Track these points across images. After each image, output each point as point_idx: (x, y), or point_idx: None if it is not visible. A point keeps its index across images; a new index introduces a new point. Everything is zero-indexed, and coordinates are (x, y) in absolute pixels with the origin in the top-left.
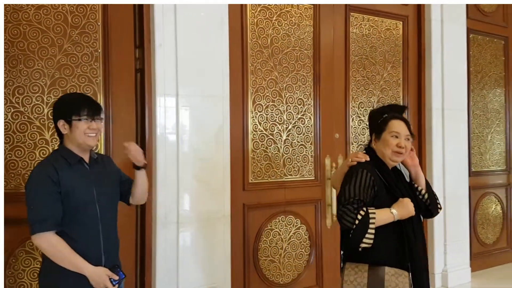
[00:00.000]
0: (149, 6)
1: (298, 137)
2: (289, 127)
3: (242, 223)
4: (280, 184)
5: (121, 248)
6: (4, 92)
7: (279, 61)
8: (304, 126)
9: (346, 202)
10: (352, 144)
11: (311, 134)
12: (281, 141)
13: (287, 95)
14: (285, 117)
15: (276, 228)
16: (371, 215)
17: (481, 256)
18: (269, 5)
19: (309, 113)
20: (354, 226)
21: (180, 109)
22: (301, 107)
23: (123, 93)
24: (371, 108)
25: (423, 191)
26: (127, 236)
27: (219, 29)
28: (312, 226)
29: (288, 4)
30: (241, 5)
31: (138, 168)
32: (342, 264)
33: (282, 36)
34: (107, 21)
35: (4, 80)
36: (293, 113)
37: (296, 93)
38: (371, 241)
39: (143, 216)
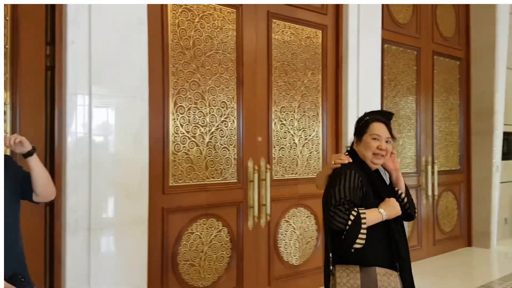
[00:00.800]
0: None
1: (221, 139)
2: (212, 130)
3: (161, 227)
4: (202, 186)
5: (29, 255)
6: None
7: (201, 63)
8: (227, 129)
9: (336, 204)
10: (274, 147)
11: (234, 137)
12: (204, 144)
13: (210, 98)
14: (208, 119)
15: (197, 231)
16: (362, 215)
17: None
18: (191, 6)
19: (232, 116)
20: (347, 227)
21: (94, 109)
22: (224, 110)
23: (32, 91)
24: (292, 113)
25: (403, 195)
26: (36, 242)
27: (137, 29)
28: (234, 228)
29: (210, 7)
30: (161, 5)
31: (26, 155)
32: (331, 267)
33: (205, 39)
34: (16, 16)
35: None
36: (216, 116)
37: (219, 96)
38: (363, 242)
39: (52, 221)
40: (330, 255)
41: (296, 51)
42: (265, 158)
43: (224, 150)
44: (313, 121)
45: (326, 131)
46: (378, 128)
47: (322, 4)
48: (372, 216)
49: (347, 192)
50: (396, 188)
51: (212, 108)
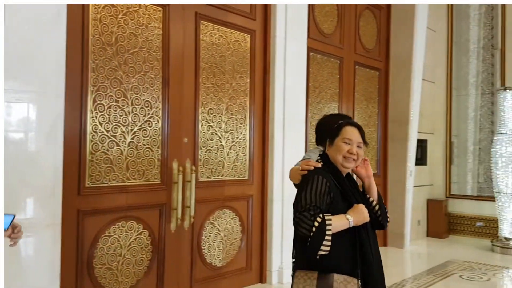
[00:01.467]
0: None
1: (144, 140)
2: (135, 130)
3: (75, 230)
4: (122, 188)
5: None
6: None
7: (124, 60)
8: (151, 129)
9: (302, 209)
10: (201, 148)
11: (158, 138)
12: (125, 144)
13: (133, 96)
14: (130, 119)
15: (115, 234)
16: (327, 222)
17: None
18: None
19: (157, 116)
20: (312, 234)
21: (7, 105)
22: (148, 109)
23: None
24: (220, 115)
25: (374, 203)
26: None
27: (55, 21)
28: (156, 231)
29: (135, 4)
30: None
31: None
32: (292, 271)
33: (128, 35)
34: None
35: None
36: (140, 115)
37: (143, 95)
38: (328, 248)
39: None
40: (293, 260)
41: (224, 53)
42: (191, 159)
43: (147, 151)
44: (241, 123)
45: (253, 133)
46: (351, 132)
47: (251, 9)
48: (338, 223)
49: (313, 198)
50: (368, 196)
51: (135, 107)
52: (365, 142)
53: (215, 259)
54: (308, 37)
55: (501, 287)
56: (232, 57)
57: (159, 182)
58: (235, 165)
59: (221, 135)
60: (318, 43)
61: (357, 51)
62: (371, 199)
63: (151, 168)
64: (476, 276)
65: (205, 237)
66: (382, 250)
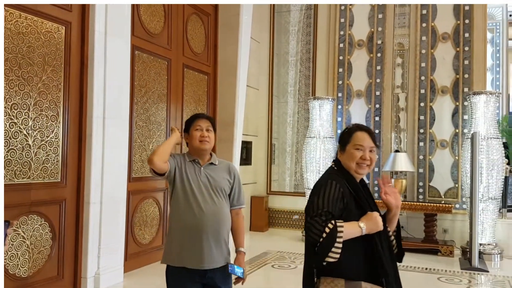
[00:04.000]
0: None
1: None
2: None
3: None
4: None
5: None
6: None
7: None
8: None
9: (314, 214)
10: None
11: None
12: None
13: None
14: None
15: None
16: (339, 228)
17: (137, 255)
18: None
19: None
20: (321, 239)
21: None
22: None
23: None
24: (26, 111)
25: (391, 233)
26: None
27: None
28: None
29: None
30: None
31: None
32: (315, 278)
33: None
34: None
35: None
36: None
37: None
38: (338, 255)
39: None
40: (314, 266)
41: (33, 44)
42: None
43: None
44: (52, 121)
45: (68, 132)
46: (362, 137)
47: None
48: (350, 230)
49: (325, 203)
50: (386, 225)
51: None
52: (376, 145)
53: (19, 269)
54: (133, 35)
55: None
56: (42, 49)
57: None
58: (45, 166)
59: (28, 133)
60: (144, 42)
61: (186, 54)
62: (388, 229)
63: None
64: (286, 265)
65: (8, 246)
66: None
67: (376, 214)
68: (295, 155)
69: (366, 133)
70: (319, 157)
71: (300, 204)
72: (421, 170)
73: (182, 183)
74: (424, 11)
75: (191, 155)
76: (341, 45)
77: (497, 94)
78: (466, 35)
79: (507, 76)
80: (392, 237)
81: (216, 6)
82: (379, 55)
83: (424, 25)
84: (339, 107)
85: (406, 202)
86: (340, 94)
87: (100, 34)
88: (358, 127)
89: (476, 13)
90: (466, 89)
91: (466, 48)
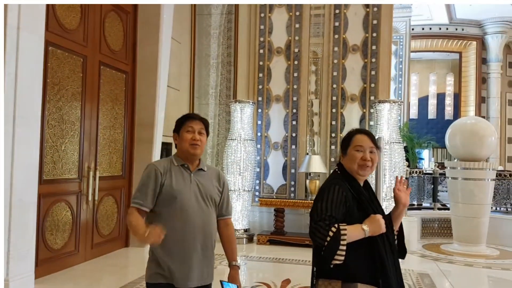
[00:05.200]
0: None
1: None
2: None
3: None
4: None
5: None
6: None
7: None
8: None
9: (318, 219)
10: None
11: None
12: None
13: None
14: None
15: None
16: (342, 232)
17: (49, 261)
18: None
19: None
20: (326, 243)
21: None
22: None
23: None
24: None
25: (395, 233)
26: None
27: None
28: None
29: None
30: None
31: None
32: (314, 280)
33: None
34: None
35: None
36: None
37: None
38: (343, 258)
39: None
40: (314, 268)
41: None
42: None
43: None
44: None
45: None
46: (361, 139)
47: None
48: (354, 232)
49: (329, 207)
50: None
51: None
52: (377, 147)
53: None
54: (47, 30)
55: None
56: None
57: None
58: None
59: None
60: (59, 38)
61: (103, 51)
62: (393, 228)
63: None
64: None
65: None
66: (124, 250)
67: (379, 216)
68: (216, 157)
69: (365, 135)
70: (240, 159)
71: None
72: None
73: (168, 193)
74: (337, 23)
75: (180, 158)
76: (261, 51)
77: (399, 102)
78: (374, 47)
79: (409, 86)
80: (396, 240)
81: (136, 5)
82: (296, 62)
83: (336, 36)
84: (259, 110)
85: None
86: (260, 98)
87: (12, 28)
88: (358, 131)
89: (383, 27)
90: (372, 98)
91: (373, 60)
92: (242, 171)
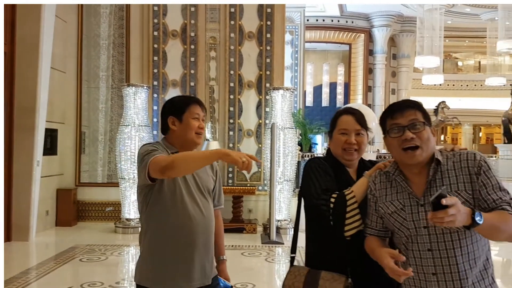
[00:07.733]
0: None
1: None
2: None
3: None
4: None
5: None
6: None
7: None
8: None
9: (317, 196)
10: None
11: None
12: None
13: None
14: None
15: None
16: (346, 192)
17: None
18: None
19: None
20: (331, 211)
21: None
22: None
23: None
24: None
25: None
26: None
27: None
28: None
29: None
30: None
31: None
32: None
33: None
34: None
35: None
36: None
37: None
38: (357, 223)
39: None
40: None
41: None
42: None
43: None
44: None
45: None
46: (345, 121)
47: None
48: (359, 188)
49: (321, 181)
50: None
51: None
52: (365, 128)
53: None
54: None
55: (116, 263)
56: None
57: None
58: None
59: None
60: None
61: None
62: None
63: None
64: (95, 257)
65: None
66: (6, 245)
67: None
68: (109, 144)
69: (351, 115)
70: (134, 146)
71: (114, 195)
72: None
73: (166, 186)
74: (233, 9)
75: (173, 146)
76: (155, 33)
77: (292, 90)
78: (268, 35)
79: (304, 75)
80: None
81: None
82: (192, 47)
83: (232, 22)
84: (155, 95)
85: None
86: (156, 83)
87: None
88: (345, 111)
89: (276, 15)
90: (268, 85)
91: (268, 48)
92: (134, 159)
